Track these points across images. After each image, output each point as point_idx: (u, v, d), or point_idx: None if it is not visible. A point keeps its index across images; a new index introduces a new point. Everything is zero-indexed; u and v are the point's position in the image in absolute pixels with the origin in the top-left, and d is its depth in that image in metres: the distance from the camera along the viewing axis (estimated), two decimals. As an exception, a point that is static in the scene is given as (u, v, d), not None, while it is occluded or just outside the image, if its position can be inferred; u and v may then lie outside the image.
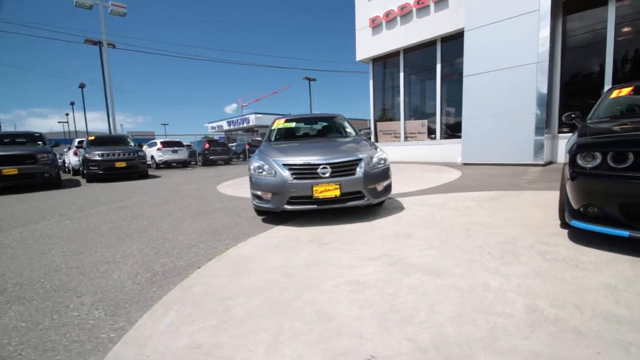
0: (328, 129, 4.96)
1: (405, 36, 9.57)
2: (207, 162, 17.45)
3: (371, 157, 3.54)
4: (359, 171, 3.38)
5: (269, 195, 3.44)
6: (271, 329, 1.50)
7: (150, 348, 1.41)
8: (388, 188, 3.66)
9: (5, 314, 1.79)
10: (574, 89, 7.18)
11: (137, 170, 9.95)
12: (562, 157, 7.27)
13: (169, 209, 4.73)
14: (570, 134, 3.23)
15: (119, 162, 9.38)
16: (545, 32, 6.52)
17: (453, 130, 9.22)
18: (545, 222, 3.02)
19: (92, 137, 10.56)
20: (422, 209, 3.84)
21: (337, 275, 2.08)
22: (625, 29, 6.30)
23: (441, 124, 9.41)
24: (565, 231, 2.71)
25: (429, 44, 9.32)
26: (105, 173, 9.23)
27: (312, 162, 3.37)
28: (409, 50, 9.90)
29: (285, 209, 3.36)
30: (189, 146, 19.21)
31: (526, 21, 6.73)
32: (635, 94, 3.29)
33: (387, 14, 9.83)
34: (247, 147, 23.92)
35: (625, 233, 2.09)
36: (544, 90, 6.70)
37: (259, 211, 3.85)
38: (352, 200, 3.38)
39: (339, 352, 1.32)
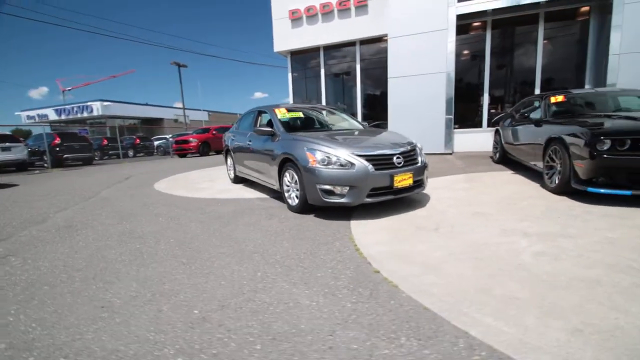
0: (339, 120, 4.87)
1: (327, 34, 9.99)
2: (59, 163, 13.16)
3: (417, 146, 3.81)
4: (421, 160, 3.60)
5: (340, 189, 3.21)
6: (591, 300, 1.63)
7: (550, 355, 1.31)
8: (427, 176, 4.01)
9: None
10: (461, 95, 9.36)
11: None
12: (458, 147, 9.43)
13: (160, 223, 3.59)
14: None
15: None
16: (452, 47, 8.27)
17: (374, 125, 10.39)
18: (538, 193, 4.03)
19: None
20: (441, 192, 4.38)
21: (518, 251, 2.30)
22: (497, 50, 8.73)
23: (362, 118, 10.42)
24: (564, 197, 3.75)
25: (350, 44, 10.10)
26: None
27: (387, 152, 3.35)
28: (329, 48, 10.42)
29: (365, 202, 3.23)
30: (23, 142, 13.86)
31: (438, 37, 8.32)
32: (568, 100, 4.76)
33: (309, 9, 9.98)
34: (105, 142, 19.38)
35: (629, 192, 3.18)
36: (451, 94, 8.51)
37: (322, 207, 3.50)
38: (417, 188, 3.57)
39: (664, 299, 1.60)
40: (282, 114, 4.45)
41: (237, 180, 5.82)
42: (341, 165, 3.21)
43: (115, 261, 2.46)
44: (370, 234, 2.85)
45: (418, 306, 1.67)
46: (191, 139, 16.09)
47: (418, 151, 3.67)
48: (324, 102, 10.81)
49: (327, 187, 3.22)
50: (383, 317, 1.58)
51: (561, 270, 1.98)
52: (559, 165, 3.89)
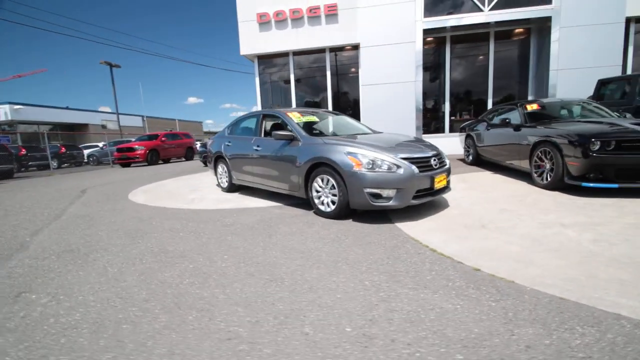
0: (349, 124, 4.87)
1: (296, 39, 9.92)
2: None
3: (437, 150, 4.01)
4: (447, 162, 3.79)
5: (387, 192, 3.22)
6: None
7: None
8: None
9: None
10: (424, 103, 10.10)
11: None
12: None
13: (188, 239, 3.18)
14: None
15: None
16: (419, 58, 8.90)
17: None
18: (533, 189, 4.52)
19: None
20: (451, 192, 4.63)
21: (575, 240, 2.55)
22: (455, 63, 9.63)
23: (334, 124, 10.56)
24: (557, 192, 4.28)
25: (320, 51, 10.18)
26: None
27: (426, 154, 3.46)
28: (299, 53, 10.36)
29: (411, 203, 3.29)
30: None
31: (407, 48, 8.90)
32: (542, 107, 5.47)
33: (278, 14, 9.82)
34: (23, 152, 16.43)
35: (615, 185, 3.77)
36: (420, 102, 9.13)
37: (360, 212, 3.44)
38: (447, 189, 3.75)
39: None
40: (297, 118, 4.30)
41: (233, 188, 5.43)
42: (388, 168, 3.22)
43: (182, 285, 2.10)
44: (429, 234, 2.91)
45: (553, 297, 1.75)
46: (136, 146, 14.55)
47: (443, 154, 3.87)
48: (294, 106, 10.71)
49: (376, 190, 3.20)
50: (538, 311, 1.63)
51: (627, 252, 2.26)
52: (548, 164, 4.44)
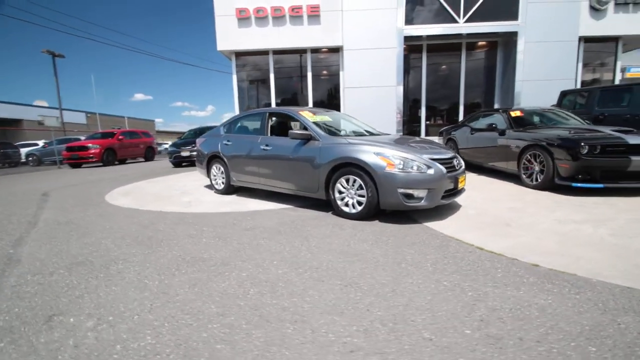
0: (354, 124, 4.84)
1: (278, 38, 9.68)
2: None
3: (449, 152, 4.16)
4: (463, 163, 3.94)
5: (418, 193, 3.26)
6: None
7: None
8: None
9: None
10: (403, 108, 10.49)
11: None
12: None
13: (217, 245, 2.92)
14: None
15: None
16: (400, 64, 9.21)
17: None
18: (525, 190, 4.90)
19: None
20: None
21: (596, 235, 2.80)
22: (431, 71, 10.12)
23: (315, 126, 10.49)
24: (548, 192, 4.67)
25: (302, 52, 10.06)
26: None
27: (449, 155, 3.57)
28: (280, 52, 10.12)
29: (440, 203, 3.37)
30: None
31: (388, 53, 9.16)
32: (524, 113, 5.94)
33: (258, 10, 9.50)
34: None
35: (601, 185, 4.23)
36: (400, 105, 9.44)
37: (385, 213, 3.42)
38: (464, 190, 3.89)
39: None
40: (311, 117, 4.19)
41: (230, 190, 5.12)
42: (418, 168, 3.26)
43: (251, 296, 1.91)
44: (463, 233, 2.98)
45: (623, 287, 1.89)
46: (90, 144, 13.16)
47: (458, 155, 4.02)
48: (273, 106, 10.46)
49: (409, 191, 3.22)
50: (620, 300, 1.74)
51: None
52: (537, 166, 4.84)
